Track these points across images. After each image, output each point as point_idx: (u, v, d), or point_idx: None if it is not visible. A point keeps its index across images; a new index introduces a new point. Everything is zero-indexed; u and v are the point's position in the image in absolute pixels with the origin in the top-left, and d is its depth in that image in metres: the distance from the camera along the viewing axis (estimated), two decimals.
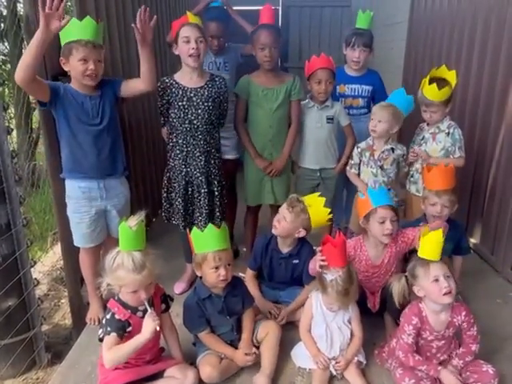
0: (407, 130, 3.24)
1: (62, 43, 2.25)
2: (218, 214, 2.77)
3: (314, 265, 2.19)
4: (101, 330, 1.88)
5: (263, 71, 2.85)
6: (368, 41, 3.15)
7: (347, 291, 2.05)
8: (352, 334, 2.19)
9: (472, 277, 2.96)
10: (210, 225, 2.08)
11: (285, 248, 2.57)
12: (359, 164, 2.92)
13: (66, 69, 2.29)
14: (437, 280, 1.93)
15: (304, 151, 3.03)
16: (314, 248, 2.47)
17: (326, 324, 2.17)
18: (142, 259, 1.82)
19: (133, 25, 2.26)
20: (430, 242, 1.97)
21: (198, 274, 2.15)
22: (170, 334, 2.13)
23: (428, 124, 2.88)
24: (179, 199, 2.72)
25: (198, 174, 2.68)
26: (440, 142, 2.81)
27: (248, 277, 2.63)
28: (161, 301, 2.06)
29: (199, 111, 2.59)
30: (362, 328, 2.20)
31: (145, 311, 1.90)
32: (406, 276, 2.08)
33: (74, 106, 2.30)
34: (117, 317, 1.87)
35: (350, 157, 2.98)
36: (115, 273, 1.82)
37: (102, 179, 2.43)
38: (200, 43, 2.50)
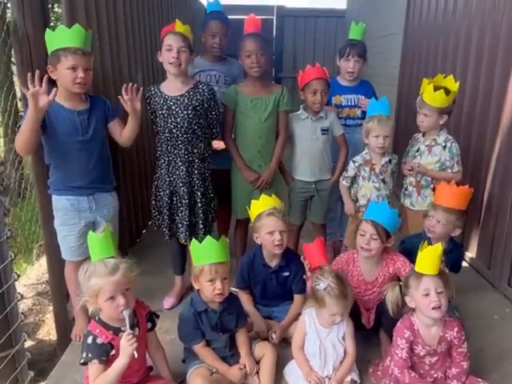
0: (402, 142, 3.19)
1: (50, 50, 2.19)
2: (201, 226, 2.69)
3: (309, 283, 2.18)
4: (83, 354, 1.78)
5: (251, 80, 2.80)
6: (362, 51, 3.15)
7: (344, 293, 2.02)
8: (345, 352, 2.13)
9: (468, 292, 2.91)
10: (208, 237, 2.05)
11: (273, 261, 2.51)
12: (354, 178, 2.88)
13: (53, 77, 2.22)
14: (427, 294, 1.91)
15: (298, 163, 2.97)
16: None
17: (320, 341, 2.11)
18: (115, 262, 1.77)
19: (119, 97, 2.31)
20: (428, 256, 1.94)
21: (196, 286, 2.12)
22: (156, 353, 2.05)
23: (424, 135, 2.84)
24: (164, 209, 2.68)
25: (181, 185, 2.63)
26: (435, 155, 2.77)
27: (241, 295, 2.56)
28: (146, 320, 1.98)
29: (178, 120, 2.54)
30: (356, 345, 2.15)
31: None
32: (400, 285, 2.06)
33: (61, 123, 2.25)
34: (98, 341, 1.78)
35: (344, 168, 2.95)
36: (89, 283, 1.75)
37: (91, 194, 2.39)
38: (182, 52, 2.47)
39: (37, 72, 2.05)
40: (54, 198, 2.38)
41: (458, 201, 2.48)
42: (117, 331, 1.82)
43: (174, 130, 2.56)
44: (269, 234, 2.38)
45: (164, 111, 2.55)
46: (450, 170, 2.75)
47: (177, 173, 2.62)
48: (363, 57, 3.16)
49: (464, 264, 3.34)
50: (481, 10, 3.25)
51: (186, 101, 2.55)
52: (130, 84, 2.31)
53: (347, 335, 2.13)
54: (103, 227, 1.89)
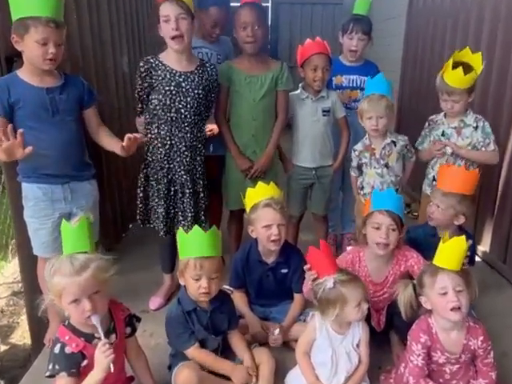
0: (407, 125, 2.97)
1: (14, 17, 1.91)
2: (202, 217, 2.48)
3: (307, 287, 1.94)
4: (49, 366, 1.53)
5: (246, 56, 2.54)
6: (366, 28, 2.90)
7: (354, 276, 1.85)
8: (359, 360, 1.88)
9: (483, 289, 2.62)
10: (195, 227, 1.84)
11: (270, 257, 2.27)
12: (360, 166, 2.66)
13: (18, 48, 1.95)
14: (445, 293, 1.68)
15: (299, 148, 2.72)
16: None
17: (333, 349, 1.85)
18: (85, 260, 1.53)
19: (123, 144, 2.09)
20: (450, 249, 1.70)
21: (181, 282, 1.91)
22: (136, 361, 1.80)
23: (446, 116, 2.59)
24: (160, 200, 2.41)
25: (182, 172, 2.39)
26: (467, 138, 2.52)
27: (235, 295, 2.31)
28: (125, 324, 1.72)
29: (188, 99, 2.30)
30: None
31: None
32: (413, 283, 1.83)
33: (28, 102, 1.98)
34: (67, 350, 1.53)
35: (347, 152, 2.73)
36: (52, 280, 1.51)
37: (66, 183, 2.13)
38: (182, 20, 2.19)
39: (9, 126, 1.85)
40: (24, 186, 2.12)
41: (460, 183, 2.27)
42: (89, 338, 1.57)
43: (183, 110, 2.31)
44: (265, 228, 2.13)
45: (172, 88, 2.28)
46: (484, 149, 2.51)
47: (178, 159, 2.37)
48: (368, 34, 2.91)
49: (476, 259, 3.12)
50: None
51: (197, 79, 2.32)
52: (134, 135, 2.08)
53: (362, 341, 1.88)
54: (79, 217, 1.65)
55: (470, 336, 1.75)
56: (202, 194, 2.48)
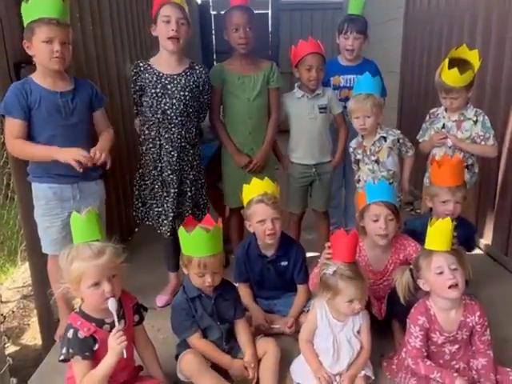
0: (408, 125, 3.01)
1: (25, 24, 2.00)
2: (187, 215, 2.47)
3: (314, 278, 1.99)
4: (63, 350, 1.58)
5: (238, 57, 2.62)
6: (362, 27, 2.96)
7: (358, 273, 1.82)
8: (360, 347, 1.92)
9: (485, 280, 2.71)
10: (197, 228, 1.84)
11: (269, 250, 2.31)
12: (358, 162, 2.70)
13: (30, 53, 2.03)
14: (441, 272, 1.73)
15: (297, 146, 2.78)
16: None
17: (334, 336, 1.89)
18: (101, 245, 1.62)
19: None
20: (438, 231, 1.75)
21: (185, 271, 1.96)
22: (145, 350, 1.85)
23: (447, 110, 2.63)
24: (154, 199, 2.49)
25: (169, 172, 2.44)
26: (467, 131, 2.56)
27: (240, 289, 2.33)
28: (133, 312, 1.77)
29: (174, 101, 2.37)
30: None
31: (112, 324, 1.61)
32: (411, 269, 1.88)
33: (42, 105, 2.05)
34: (80, 335, 1.58)
35: (345, 148, 2.78)
36: (71, 267, 1.57)
37: (75, 183, 2.19)
38: (181, 25, 2.30)
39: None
40: (35, 186, 2.18)
41: (462, 174, 2.32)
42: (100, 323, 1.63)
43: (169, 112, 2.37)
44: (260, 223, 2.19)
45: (158, 90, 2.36)
46: (483, 143, 2.54)
47: (165, 159, 2.43)
48: (364, 33, 2.97)
49: (479, 251, 3.16)
50: None
51: (183, 81, 2.38)
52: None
53: (363, 328, 1.92)
54: (87, 210, 1.71)
55: (467, 313, 1.79)
56: (189, 193, 2.50)
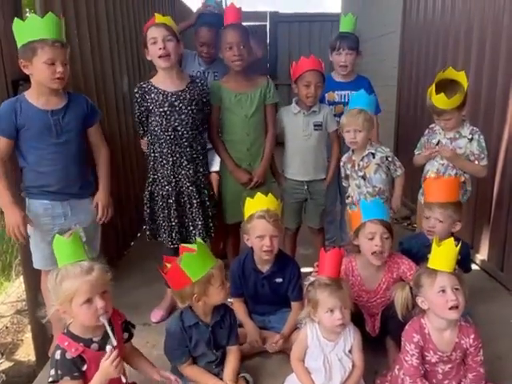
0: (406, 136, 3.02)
1: (20, 43, 2.00)
2: (211, 225, 2.58)
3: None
4: (51, 372, 1.57)
5: (233, 75, 2.64)
6: (353, 43, 3.02)
7: (335, 282, 1.83)
8: (352, 365, 1.91)
9: (481, 296, 2.70)
10: (198, 242, 1.84)
11: (265, 266, 2.31)
12: (347, 177, 2.72)
13: (27, 72, 2.04)
14: (443, 291, 1.72)
15: (291, 161, 2.79)
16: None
17: (324, 355, 1.88)
18: (89, 263, 1.61)
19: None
20: (445, 252, 1.76)
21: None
22: (134, 357, 1.86)
23: (443, 129, 2.64)
24: (168, 214, 2.49)
25: (188, 184, 2.49)
26: (460, 148, 2.57)
27: (235, 305, 2.36)
28: (122, 329, 1.77)
29: (183, 116, 2.41)
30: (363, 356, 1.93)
31: (100, 342, 1.62)
32: (410, 285, 1.87)
33: (33, 124, 2.06)
34: (68, 356, 1.58)
35: (338, 166, 2.78)
36: (61, 287, 1.56)
37: (66, 200, 2.20)
38: (168, 42, 2.33)
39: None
40: (27, 201, 2.19)
41: (450, 193, 2.31)
42: (88, 343, 1.63)
43: (179, 128, 2.41)
44: (258, 239, 2.20)
45: (166, 108, 2.38)
46: (477, 162, 2.55)
47: (183, 172, 2.47)
48: (355, 49, 3.02)
49: (474, 267, 3.15)
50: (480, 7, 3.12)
51: (189, 96, 2.42)
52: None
53: (354, 347, 1.91)
54: (71, 231, 1.73)
55: (461, 335, 1.79)
56: (207, 203, 2.56)
